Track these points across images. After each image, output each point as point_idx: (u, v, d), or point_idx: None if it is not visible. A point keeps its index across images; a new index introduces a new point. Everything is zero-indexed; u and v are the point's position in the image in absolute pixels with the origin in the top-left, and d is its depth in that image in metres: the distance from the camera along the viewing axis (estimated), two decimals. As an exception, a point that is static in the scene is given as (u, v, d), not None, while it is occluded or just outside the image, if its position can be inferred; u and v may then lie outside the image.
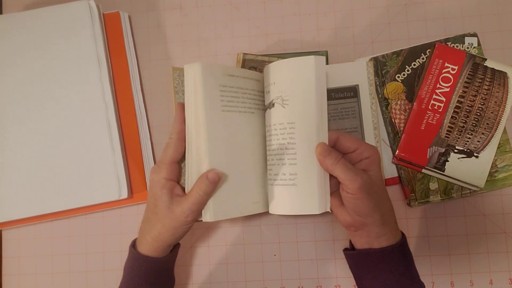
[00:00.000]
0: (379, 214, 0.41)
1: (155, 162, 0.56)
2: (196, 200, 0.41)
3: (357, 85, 0.52)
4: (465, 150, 0.50)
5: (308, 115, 0.43)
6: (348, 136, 0.43)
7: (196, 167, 0.43)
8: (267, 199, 0.47)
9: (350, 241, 0.46)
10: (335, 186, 0.44)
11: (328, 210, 0.43)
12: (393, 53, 0.53)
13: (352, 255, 0.45)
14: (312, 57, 0.43)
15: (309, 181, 0.43)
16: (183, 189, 0.45)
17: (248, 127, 0.46)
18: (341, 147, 0.43)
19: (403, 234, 0.44)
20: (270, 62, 0.54)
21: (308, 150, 0.42)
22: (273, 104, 0.45)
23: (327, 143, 0.43)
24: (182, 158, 0.45)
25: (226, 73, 0.44)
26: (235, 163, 0.44)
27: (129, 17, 0.58)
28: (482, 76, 0.51)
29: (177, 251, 0.48)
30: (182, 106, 0.44)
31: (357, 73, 0.52)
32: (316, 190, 0.42)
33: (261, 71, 0.54)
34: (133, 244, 0.46)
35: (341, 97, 0.52)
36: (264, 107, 0.48)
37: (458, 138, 0.50)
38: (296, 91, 0.43)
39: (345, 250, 0.47)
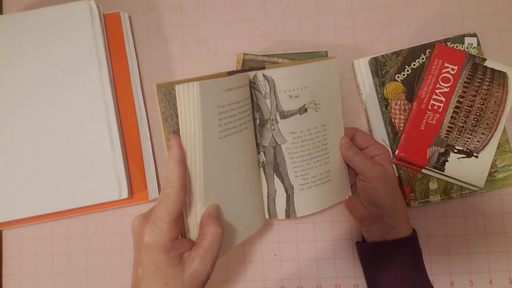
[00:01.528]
0: (392, 205, 0.44)
1: (155, 162, 0.56)
2: (212, 241, 0.35)
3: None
4: (465, 150, 0.50)
5: (336, 115, 0.47)
6: (363, 133, 0.48)
7: (195, 211, 0.37)
8: (257, 219, 0.46)
9: (363, 236, 0.49)
10: (350, 182, 0.50)
11: (350, 194, 0.50)
12: (393, 53, 0.53)
13: (364, 246, 0.48)
14: (335, 59, 0.46)
15: (339, 174, 0.48)
16: (186, 239, 0.38)
17: (243, 146, 0.42)
18: (356, 142, 0.48)
19: (414, 230, 0.47)
20: (270, 62, 0.54)
21: (336, 147, 0.47)
22: (306, 109, 0.44)
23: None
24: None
25: (224, 88, 0.37)
26: (228, 194, 0.40)
27: (129, 17, 0.58)
28: (482, 76, 0.51)
29: None
30: (178, 140, 0.35)
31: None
32: (344, 179, 0.49)
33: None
34: None
35: None
36: (275, 113, 0.44)
37: (458, 138, 0.51)
38: (326, 93, 0.46)
39: (358, 243, 0.50)
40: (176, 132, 0.36)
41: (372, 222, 0.46)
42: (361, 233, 0.53)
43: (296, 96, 0.44)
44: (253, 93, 0.44)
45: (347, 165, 0.49)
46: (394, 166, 0.53)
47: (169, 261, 0.34)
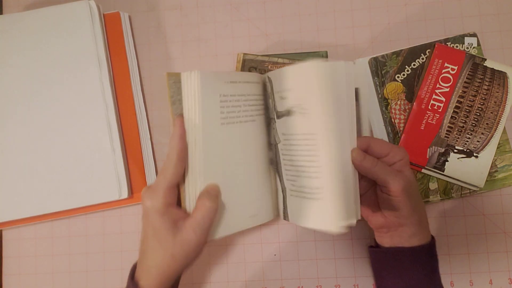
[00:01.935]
0: (417, 215, 0.41)
1: (155, 162, 0.56)
2: (205, 214, 0.38)
3: (357, 89, 0.50)
4: (465, 150, 0.50)
5: (333, 125, 0.39)
6: (379, 141, 0.42)
7: (200, 188, 0.40)
8: (265, 211, 0.46)
9: (375, 239, 0.47)
10: (363, 189, 0.43)
11: (359, 218, 0.41)
12: (393, 53, 0.53)
13: (379, 252, 0.45)
14: (340, 62, 0.39)
15: (337, 196, 0.39)
16: (183, 211, 0.41)
17: (248, 137, 0.44)
18: (373, 153, 0.41)
19: (432, 237, 0.44)
20: (270, 62, 0.54)
21: (332, 163, 0.39)
22: (291, 112, 0.42)
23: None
24: (182, 179, 0.41)
25: (227, 80, 0.41)
26: (232, 179, 0.42)
27: (129, 17, 0.58)
28: (482, 76, 0.51)
29: (178, 281, 0.45)
30: (181, 120, 0.40)
31: (357, 75, 0.48)
32: (348, 205, 0.40)
33: (261, 71, 0.54)
34: (132, 274, 0.41)
35: None
36: (274, 112, 0.45)
37: (458, 138, 0.51)
38: (318, 100, 0.39)
39: (371, 247, 0.47)
40: (182, 115, 0.40)
41: (390, 230, 0.43)
42: (361, 234, 0.53)
43: (284, 98, 0.43)
44: (265, 92, 0.46)
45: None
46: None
47: (163, 224, 0.38)
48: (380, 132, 0.53)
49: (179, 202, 0.41)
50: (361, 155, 0.40)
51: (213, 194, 0.39)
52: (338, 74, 0.39)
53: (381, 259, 0.45)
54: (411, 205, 0.40)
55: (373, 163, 0.40)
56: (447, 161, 0.50)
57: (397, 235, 0.42)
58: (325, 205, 0.40)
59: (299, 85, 0.41)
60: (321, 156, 0.39)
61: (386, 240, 0.44)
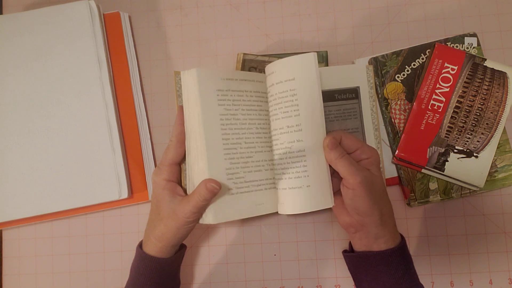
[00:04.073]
0: (378, 214, 0.41)
1: (155, 162, 0.56)
2: (197, 204, 0.41)
3: (358, 87, 0.52)
4: (465, 150, 0.50)
5: (313, 114, 0.44)
6: (350, 136, 0.43)
7: (196, 170, 0.43)
8: (272, 200, 0.46)
9: (350, 242, 0.47)
10: (335, 186, 0.45)
11: (333, 204, 0.44)
12: (393, 53, 0.53)
13: (351, 257, 0.45)
14: (312, 53, 0.44)
15: (320, 179, 0.44)
16: (184, 190, 0.45)
17: (251, 129, 0.45)
18: (344, 147, 0.43)
19: (402, 237, 0.44)
20: (270, 62, 0.54)
21: (315, 149, 0.44)
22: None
23: None
24: (183, 159, 0.45)
25: (223, 77, 0.44)
26: (241, 167, 0.44)
27: (129, 17, 0.58)
28: (482, 76, 0.51)
29: (183, 253, 0.48)
30: (182, 109, 0.44)
31: (358, 75, 0.52)
32: (326, 186, 0.44)
33: (261, 71, 0.54)
34: (140, 245, 0.46)
35: (343, 98, 0.51)
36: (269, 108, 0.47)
37: (458, 138, 0.51)
38: (301, 90, 0.44)
39: (344, 252, 0.47)
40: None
41: (357, 230, 0.43)
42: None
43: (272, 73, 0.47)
44: None
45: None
46: (392, 168, 0.52)
47: (163, 196, 0.43)
48: (380, 132, 0.53)
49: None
50: (332, 144, 0.42)
51: (209, 190, 0.41)
52: (315, 65, 0.44)
53: (355, 263, 0.45)
54: (370, 202, 0.41)
55: (340, 155, 0.42)
56: (447, 161, 0.50)
57: (364, 236, 0.43)
58: (313, 189, 0.44)
59: (285, 77, 0.45)
60: (306, 145, 0.44)
61: (357, 242, 0.44)
